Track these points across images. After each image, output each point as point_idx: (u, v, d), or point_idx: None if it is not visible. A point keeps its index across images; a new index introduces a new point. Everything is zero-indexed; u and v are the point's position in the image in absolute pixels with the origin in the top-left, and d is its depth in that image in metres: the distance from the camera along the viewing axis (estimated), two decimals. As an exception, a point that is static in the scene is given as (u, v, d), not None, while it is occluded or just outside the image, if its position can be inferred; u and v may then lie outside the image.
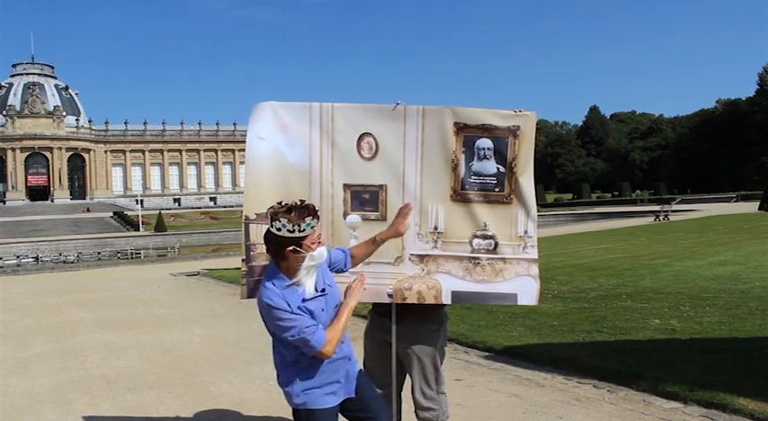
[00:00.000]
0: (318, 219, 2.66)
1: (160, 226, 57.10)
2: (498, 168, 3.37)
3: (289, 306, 2.59)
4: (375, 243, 3.17)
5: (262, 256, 3.30)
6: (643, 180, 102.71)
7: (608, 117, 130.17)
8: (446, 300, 3.32)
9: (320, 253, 2.67)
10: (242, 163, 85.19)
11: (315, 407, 2.70)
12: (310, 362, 2.68)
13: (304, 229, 2.57)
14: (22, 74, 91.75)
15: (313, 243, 2.63)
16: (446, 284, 3.32)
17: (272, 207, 2.64)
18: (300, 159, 3.31)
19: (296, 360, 2.69)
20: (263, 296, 2.64)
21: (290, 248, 2.59)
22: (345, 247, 3.14)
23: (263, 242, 2.76)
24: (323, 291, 2.72)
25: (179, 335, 7.96)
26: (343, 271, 3.05)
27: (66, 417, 4.79)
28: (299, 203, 2.62)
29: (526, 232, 3.40)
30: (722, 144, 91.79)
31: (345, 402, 2.81)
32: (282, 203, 2.63)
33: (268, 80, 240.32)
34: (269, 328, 2.69)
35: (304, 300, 2.64)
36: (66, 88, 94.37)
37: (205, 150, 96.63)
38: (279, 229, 2.56)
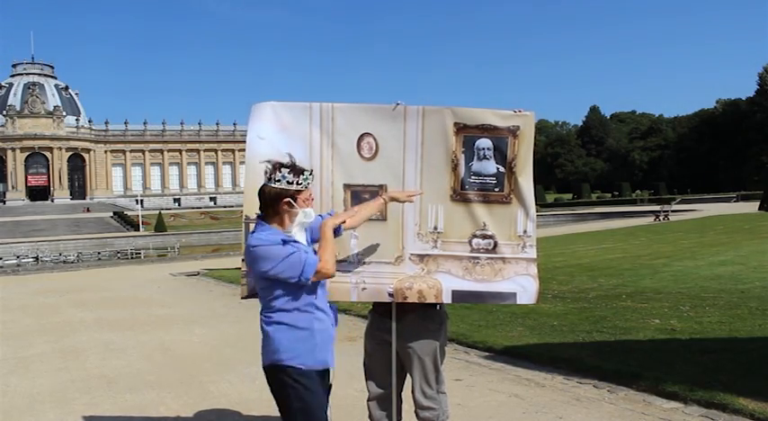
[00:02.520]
0: (313, 178, 2.85)
1: (160, 226, 57.11)
2: (498, 168, 3.37)
3: (282, 241, 2.71)
4: (378, 202, 3.20)
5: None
6: (643, 180, 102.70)
7: (608, 117, 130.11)
8: (446, 299, 3.33)
9: (311, 212, 2.81)
10: (242, 163, 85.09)
11: (307, 367, 2.73)
12: (301, 318, 2.74)
13: (301, 183, 2.75)
14: (22, 74, 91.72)
15: (305, 200, 2.79)
16: (446, 284, 3.32)
17: (268, 161, 2.81)
18: (300, 159, 3.30)
19: (286, 312, 2.72)
20: (252, 240, 2.74)
21: (286, 201, 2.74)
22: (325, 214, 3.16)
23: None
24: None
25: (179, 335, 7.96)
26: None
27: (67, 417, 4.79)
28: (295, 162, 2.81)
29: (525, 232, 3.40)
30: (722, 144, 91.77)
31: None
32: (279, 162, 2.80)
33: (269, 80, 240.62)
34: (261, 273, 2.71)
35: (295, 241, 2.76)
36: (67, 88, 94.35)
37: (205, 150, 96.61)
38: (278, 180, 2.73)
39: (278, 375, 2.76)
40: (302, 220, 2.79)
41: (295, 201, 2.76)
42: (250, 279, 3.33)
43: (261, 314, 2.84)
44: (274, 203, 2.76)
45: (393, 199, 3.23)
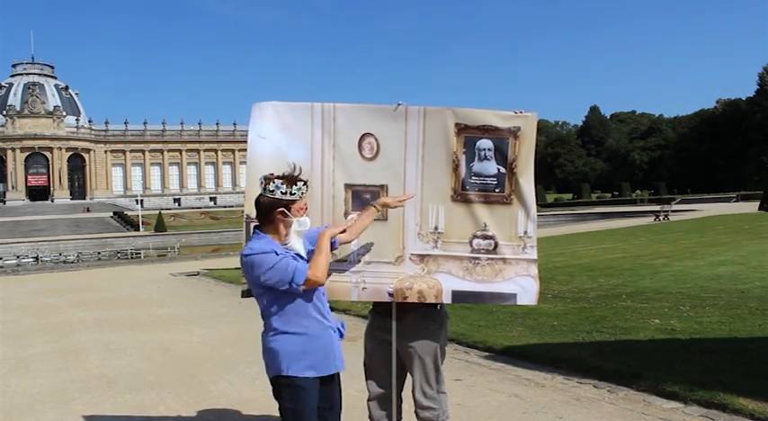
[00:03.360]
0: (307, 188, 2.89)
1: (160, 226, 57.10)
2: (499, 169, 3.38)
3: (274, 251, 2.76)
4: (370, 212, 3.21)
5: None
6: (643, 180, 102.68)
7: (608, 117, 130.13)
8: (446, 299, 3.33)
9: (306, 221, 2.86)
10: (242, 163, 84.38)
11: (299, 375, 2.78)
12: (296, 322, 2.80)
13: (294, 193, 2.81)
14: (22, 74, 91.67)
15: (300, 209, 2.85)
16: (446, 284, 3.32)
17: (263, 175, 2.87)
18: (301, 159, 3.31)
19: (281, 317, 2.79)
20: (246, 250, 2.80)
21: (280, 210, 2.81)
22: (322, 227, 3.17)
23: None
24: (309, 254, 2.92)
25: (179, 335, 7.97)
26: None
27: (66, 417, 4.79)
28: (291, 172, 2.87)
29: (526, 232, 3.40)
30: (722, 144, 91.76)
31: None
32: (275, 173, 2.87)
33: (269, 80, 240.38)
34: (254, 280, 2.78)
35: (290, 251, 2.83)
36: (67, 88, 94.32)
37: (205, 150, 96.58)
38: (272, 191, 2.79)
39: (281, 385, 2.81)
40: (297, 229, 2.84)
41: (289, 211, 2.82)
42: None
43: (263, 324, 2.91)
44: (268, 213, 2.84)
45: (384, 205, 3.24)
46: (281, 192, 2.80)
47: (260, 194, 2.86)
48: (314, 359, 2.81)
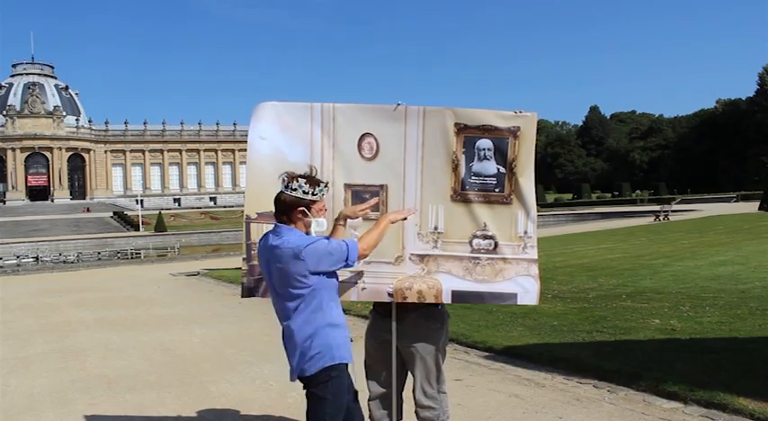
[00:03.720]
0: (328, 190, 2.94)
1: (160, 226, 57.08)
2: (498, 169, 3.38)
3: (323, 239, 2.83)
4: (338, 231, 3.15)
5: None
6: (643, 180, 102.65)
7: (608, 117, 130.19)
8: (446, 299, 3.33)
9: (323, 222, 2.90)
10: (242, 163, 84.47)
11: (346, 362, 2.85)
12: (336, 314, 2.85)
13: (316, 193, 2.84)
14: (22, 74, 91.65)
15: (320, 210, 2.88)
16: (446, 284, 3.33)
17: (286, 172, 2.89)
18: (301, 159, 3.32)
19: (322, 310, 2.80)
20: (295, 242, 2.76)
21: (301, 210, 2.83)
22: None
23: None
24: None
25: (179, 335, 7.96)
26: None
27: (67, 417, 4.79)
28: (312, 172, 2.92)
29: (526, 232, 3.40)
30: (722, 144, 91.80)
31: None
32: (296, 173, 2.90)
33: (269, 80, 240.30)
34: (309, 270, 2.73)
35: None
36: (67, 88, 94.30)
37: (205, 150, 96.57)
38: (295, 189, 2.82)
39: (329, 375, 2.79)
40: (315, 229, 2.86)
41: (309, 211, 2.85)
42: (251, 277, 3.34)
43: (292, 322, 2.81)
44: (289, 211, 2.85)
45: (346, 217, 3.12)
46: (304, 192, 2.82)
47: (280, 192, 2.86)
48: (348, 346, 2.88)
